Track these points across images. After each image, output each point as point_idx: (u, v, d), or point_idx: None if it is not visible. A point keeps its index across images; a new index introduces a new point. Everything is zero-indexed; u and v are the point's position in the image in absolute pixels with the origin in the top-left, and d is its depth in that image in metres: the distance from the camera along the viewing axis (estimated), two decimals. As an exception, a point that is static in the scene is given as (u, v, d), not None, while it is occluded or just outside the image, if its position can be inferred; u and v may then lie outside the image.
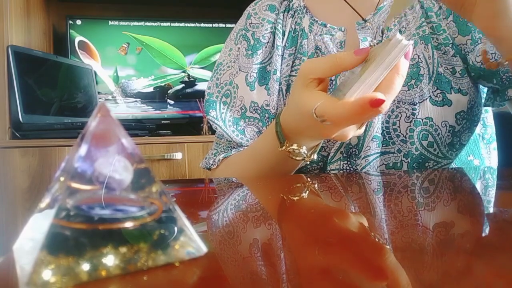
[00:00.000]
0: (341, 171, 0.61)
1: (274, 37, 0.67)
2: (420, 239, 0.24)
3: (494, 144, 0.68)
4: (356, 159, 0.60)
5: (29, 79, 1.46)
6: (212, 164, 0.68)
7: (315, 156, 0.51)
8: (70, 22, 1.77)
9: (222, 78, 0.70)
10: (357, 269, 0.20)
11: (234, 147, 0.69)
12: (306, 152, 0.50)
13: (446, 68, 0.58)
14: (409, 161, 0.59)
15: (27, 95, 1.43)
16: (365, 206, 0.35)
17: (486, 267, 0.19)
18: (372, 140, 0.59)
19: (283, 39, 0.66)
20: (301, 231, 0.27)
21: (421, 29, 0.59)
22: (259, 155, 0.57)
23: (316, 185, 0.45)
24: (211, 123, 0.69)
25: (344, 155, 0.61)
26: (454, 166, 0.62)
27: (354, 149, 0.60)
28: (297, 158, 0.50)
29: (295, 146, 0.49)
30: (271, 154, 0.54)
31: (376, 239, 0.24)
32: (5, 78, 1.37)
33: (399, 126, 0.59)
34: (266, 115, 0.65)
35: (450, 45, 0.58)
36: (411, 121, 0.58)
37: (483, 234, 0.26)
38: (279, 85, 0.65)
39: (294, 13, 0.67)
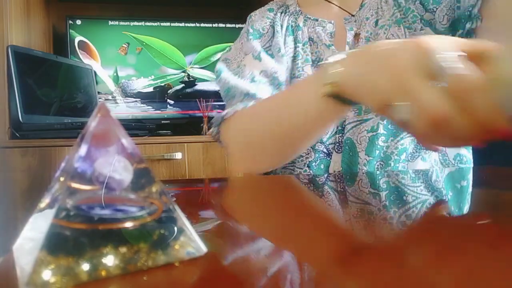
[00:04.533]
0: (337, 145, 0.65)
1: (274, 29, 0.72)
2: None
3: None
4: (343, 130, 0.65)
5: (29, 79, 1.46)
6: (224, 115, 0.61)
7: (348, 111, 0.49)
8: (70, 22, 1.77)
9: (232, 66, 0.72)
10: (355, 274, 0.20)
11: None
12: (336, 77, 0.41)
13: None
14: (385, 123, 0.63)
15: (27, 95, 1.43)
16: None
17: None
18: (351, 110, 0.63)
19: (282, 28, 0.72)
20: (300, 232, 0.27)
21: (394, 15, 0.66)
22: (288, 97, 0.52)
23: (312, 189, 0.46)
24: (220, 85, 0.68)
25: (339, 128, 0.65)
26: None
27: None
28: (326, 80, 0.42)
29: (336, 68, 0.41)
30: (304, 93, 0.48)
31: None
32: (5, 78, 1.37)
33: None
34: (276, 82, 0.67)
35: (418, 21, 0.64)
36: None
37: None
38: (286, 62, 0.69)
39: (291, 15, 0.75)
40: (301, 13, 0.74)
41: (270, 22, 0.73)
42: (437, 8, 0.62)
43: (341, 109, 0.46)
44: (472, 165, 0.67)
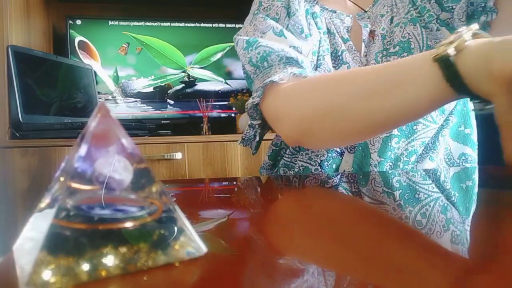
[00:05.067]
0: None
1: (288, 10, 0.65)
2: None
3: None
4: None
5: (29, 79, 1.46)
6: (273, 80, 0.53)
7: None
8: (70, 22, 1.77)
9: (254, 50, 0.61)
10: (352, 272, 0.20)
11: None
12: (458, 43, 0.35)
13: (435, 42, 0.62)
14: None
15: (27, 95, 1.43)
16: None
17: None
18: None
19: (300, 8, 0.66)
20: (300, 232, 0.27)
21: (409, 13, 0.65)
22: (391, 66, 0.43)
23: (316, 193, 0.45)
24: (251, 54, 0.59)
25: None
26: (446, 134, 0.65)
27: None
28: (443, 49, 0.36)
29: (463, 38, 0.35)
30: (408, 67, 0.41)
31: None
32: (5, 78, 1.37)
33: None
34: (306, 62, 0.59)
35: (434, 21, 0.63)
36: None
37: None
38: (314, 46, 0.64)
39: (305, 1, 0.71)
40: (316, 2, 0.71)
41: (282, 4, 0.65)
42: (456, 6, 0.61)
43: (444, 93, 0.38)
44: (476, 164, 0.67)
